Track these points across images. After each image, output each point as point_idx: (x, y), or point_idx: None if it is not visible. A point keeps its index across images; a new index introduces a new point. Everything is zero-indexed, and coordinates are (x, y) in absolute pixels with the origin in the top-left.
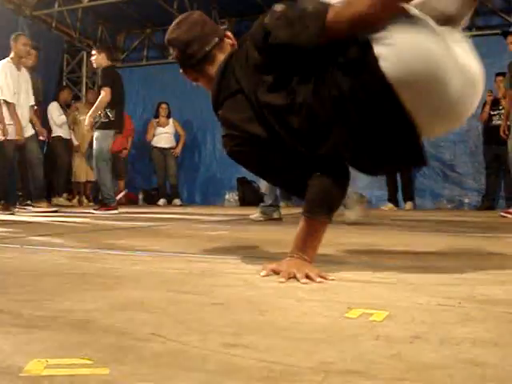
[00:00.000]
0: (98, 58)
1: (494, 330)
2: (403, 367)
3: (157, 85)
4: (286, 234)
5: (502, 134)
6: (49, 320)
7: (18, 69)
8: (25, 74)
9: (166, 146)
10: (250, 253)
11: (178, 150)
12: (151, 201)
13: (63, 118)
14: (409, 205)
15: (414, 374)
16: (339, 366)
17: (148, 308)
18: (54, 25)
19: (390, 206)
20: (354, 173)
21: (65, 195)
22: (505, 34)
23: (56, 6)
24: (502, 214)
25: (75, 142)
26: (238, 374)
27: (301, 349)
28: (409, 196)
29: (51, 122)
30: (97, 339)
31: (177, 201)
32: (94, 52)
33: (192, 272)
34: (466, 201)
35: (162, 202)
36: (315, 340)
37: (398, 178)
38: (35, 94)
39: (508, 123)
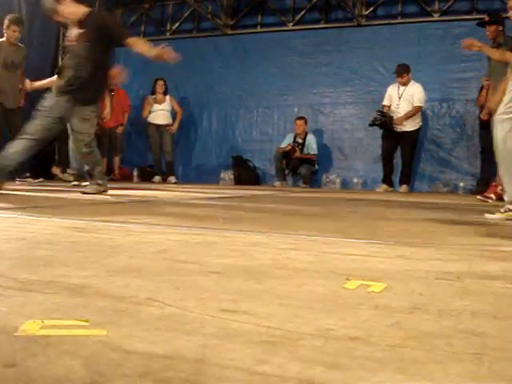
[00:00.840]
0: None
1: (493, 303)
2: (403, 335)
3: (153, 61)
4: (281, 211)
5: (482, 117)
6: (44, 284)
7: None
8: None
9: (163, 122)
10: (245, 227)
11: (175, 127)
12: (146, 177)
13: None
14: (404, 188)
15: (414, 342)
16: (339, 332)
17: (144, 275)
18: None
19: (385, 187)
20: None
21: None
22: (481, 25)
23: None
24: (480, 197)
25: None
26: (238, 338)
27: (300, 316)
28: (405, 179)
29: None
30: (93, 302)
31: (171, 178)
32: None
33: (188, 243)
34: (461, 184)
35: (156, 178)
36: (314, 308)
37: (396, 161)
38: (22, 64)
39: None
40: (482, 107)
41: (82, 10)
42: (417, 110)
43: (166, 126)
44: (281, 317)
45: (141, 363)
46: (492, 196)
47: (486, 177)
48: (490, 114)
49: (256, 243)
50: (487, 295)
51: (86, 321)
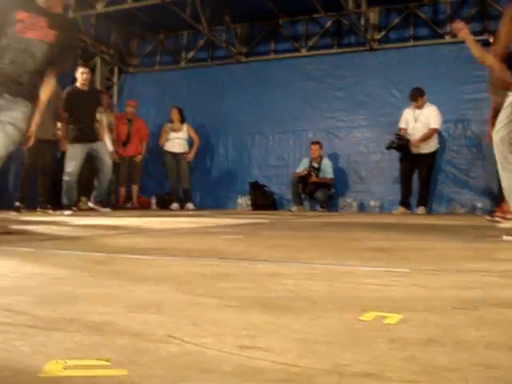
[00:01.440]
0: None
1: (508, 333)
2: (417, 369)
3: (170, 89)
4: (297, 239)
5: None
6: (65, 322)
7: None
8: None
9: (179, 150)
10: (262, 257)
11: (191, 155)
12: (164, 205)
13: None
14: (421, 210)
15: (428, 377)
16: (354, 368)
17: (163, 310)
18: None
19: (402, 209)
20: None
21: (83, 199)
22: (487, 45)
23: (70, 12)
24: (488, 218)
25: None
26: (254, 376)
27: (315, 351)
28: (422, 201)
29: None
30: (113, 341)
31: (190, 205)
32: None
33: (206, 275)
34: (479, 205)
35: (174, 206)
36: (330, 342)
37: (413, 184)
38: (57, 100)
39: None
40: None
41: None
42: (433, 132)
43: (183, 153)
44: (297, 352)
45: None
46: (500, 215)
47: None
48: None
49: (273, 274)
50: (503, 324)
51: (107, 360)
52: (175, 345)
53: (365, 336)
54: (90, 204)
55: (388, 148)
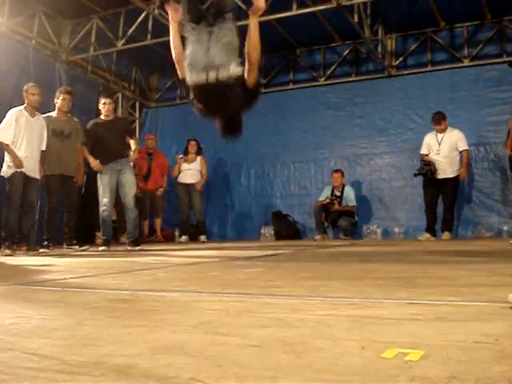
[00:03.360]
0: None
1: None
2: None
3: (190, 123)
4: (319, 271)
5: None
6: (91, 366)
7: (31, 116)
8: (39, 121)
9: (191, 181)
10: (284, 291)
11: (199, 185)
12: (189, 237)
13: None
14: (446, 235)
15: None
16: None
17: (187, 351)
18: (89, 68)
19: (427, 235)
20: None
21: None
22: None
23: (91, 50)
24: None
25: None
26: None
27: None
28: (447, 226)
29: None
30: None
31: (202, 237)
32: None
33: (229, 312)
34: (505, 228)
35: (183, 238)
36: (351, 381)
37: (439, 209)
38: (76, 135)
39: None
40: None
41: None
42: (468, 155)
43: (195, 184)
44: None
45: None
46: None
47: None
48: None
49: (295, 310)
50: None
51: None
52: None
53: (387, 374)
54: (129, 248)
55: (416, 175)
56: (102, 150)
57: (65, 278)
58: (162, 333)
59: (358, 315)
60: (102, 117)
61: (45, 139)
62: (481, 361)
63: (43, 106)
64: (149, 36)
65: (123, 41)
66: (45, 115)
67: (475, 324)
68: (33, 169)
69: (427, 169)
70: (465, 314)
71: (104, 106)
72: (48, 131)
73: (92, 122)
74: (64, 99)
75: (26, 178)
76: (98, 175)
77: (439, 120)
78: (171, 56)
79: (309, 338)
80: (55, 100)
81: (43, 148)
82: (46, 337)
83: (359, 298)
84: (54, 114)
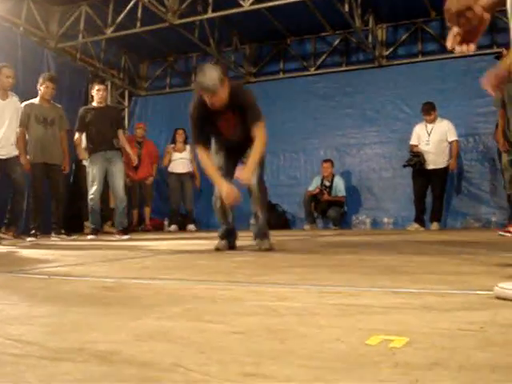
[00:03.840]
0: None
1: None
2: None
3: (181, 112)
4: (307, 260)
5: (500, 148)
6: (74, 351)
7: (3, 99)
8: (12, 103)
9: (183, 171)
10: (271, 279)
11: (199, 181)
12: (179, 227)
13: None
14: (435, 225)
15: None
16: None
17: (171, 338)
18: (78, 56)
19: (416, 226)
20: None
21: (109, 222)
22: (499, 58)
23: (80, 37)
24: (501, 233)
25: None
26: None
27: (320, 377)
28: (436, 216)
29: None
30: (120, 371)
31: (191, 226)
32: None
33: (215, 300)
34: (494, 219)
35: (173, 227)
36: (334, 368)
37: (428, 200)
38: (60, 123)
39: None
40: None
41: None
42: (458, 146)
43: (187, 174)
44: (301, 379)
45: None
46: (510, 229)
47: None
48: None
49: (281, 298)
50: (509, 346)
51: None
52: (180, 374)
53: (370, 361)
54: (117, 236)
55: (405, 166)
56: (93, 137)
57: (51, 267)
58: (147, 320)
59: (343, 303)
60: (95, 103)
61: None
62: (465, 348)
63: (29, 94)
64: (138, 24)
65: (112, 28)
66: (27, 102)
67: (460, 312)
68: (7, 152)
69: (416, 160)
70: (450, 302)
71: (98, 92)
72: (30, 118)
73: (83, 108)
74: (47, 87)
75: (4, 162)
76: (88, 163)
77: (429, 110)
78: (160, 45)
79: (294, 326)
80: (38, 86)
81: (17, 130)
82: (29, 323)
83: (345, 286)
84: (36, 100)
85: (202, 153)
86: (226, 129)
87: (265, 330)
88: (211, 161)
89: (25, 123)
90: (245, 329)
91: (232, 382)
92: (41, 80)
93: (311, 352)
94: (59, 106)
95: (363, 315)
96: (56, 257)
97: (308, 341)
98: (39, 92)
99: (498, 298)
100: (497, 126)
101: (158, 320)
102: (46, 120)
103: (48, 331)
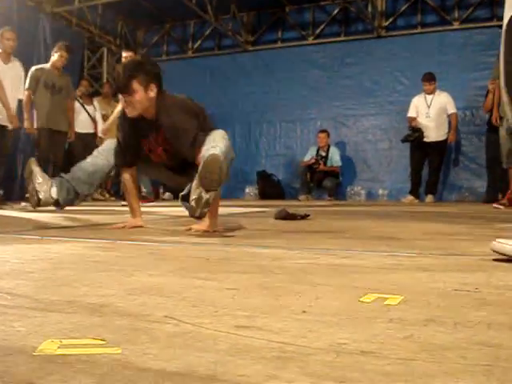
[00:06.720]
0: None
1: (510, 313)
2: (415, 348)
3: (177, 79)
4: (302, 226)
5: (494, 122)
6: (64, 304)
7: (5, 62)
8: (15, 68)
9: None
10: (266, 242)
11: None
12: (175, 196)
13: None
14: (430, 198)
15: (426, 355)
16: (351, 346)
17: (163, 293)
18: (74, 21)
19: (411, 198)
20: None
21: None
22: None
23: (76, 2)
24: (495, 205)
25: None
26: (249, 354)
27: (314, 331)
28: (431, 189)
29: None
30: (111, 321)
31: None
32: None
33: (209, 259)
34: None
35: (167, 195)
36: (328, 322)
37: (424, 172)
38: (67, 91)
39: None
40: (489, 111)
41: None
42: (457, 118)
43: None
44: (294, 332)
45: (153, 380)
46: (504, 202)
47: (493, 185)
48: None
49: (275, 258)
50: (505, 305)
51: (103, 339)
52: (172, 325)
53: (364, 316)
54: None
55: (404, 141)
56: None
57: (46, 228)
58: (139, 276)
59: (338, 264)
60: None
61: (22, 86)
62: (460, 306)
63: (24, 57)
64: None
65: None
66: (38, 66)
67: (455, 274)
68: (5, 117)
69: (416, 135)
70: (445, 265)
71: (61, 58)
72: (39, 83)
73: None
74: (62, 56)
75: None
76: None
77: (429, 79)
78: (157, 11)
79: (287, 283)
80: (52, 52)
81: (20, 96)
82: (21, 278)
83: (340, 249)
84: (47, 65)
85: (126, 173)
86: (155, 155)
87: (258, 286)
88: (135, 186)
89: (33, 87)
90: (238, 285)
91: (225, 333)
92: (56, 48)
93: (305, 307)
94: (68, 75)
95: (358, 274)
96: (51, 220)
97: (302, 297)
98: (52, 58)
99: (495, 251)
100: (486, 96)
101: (151, 277)
102: (54, 86)
103: (39, 285)
